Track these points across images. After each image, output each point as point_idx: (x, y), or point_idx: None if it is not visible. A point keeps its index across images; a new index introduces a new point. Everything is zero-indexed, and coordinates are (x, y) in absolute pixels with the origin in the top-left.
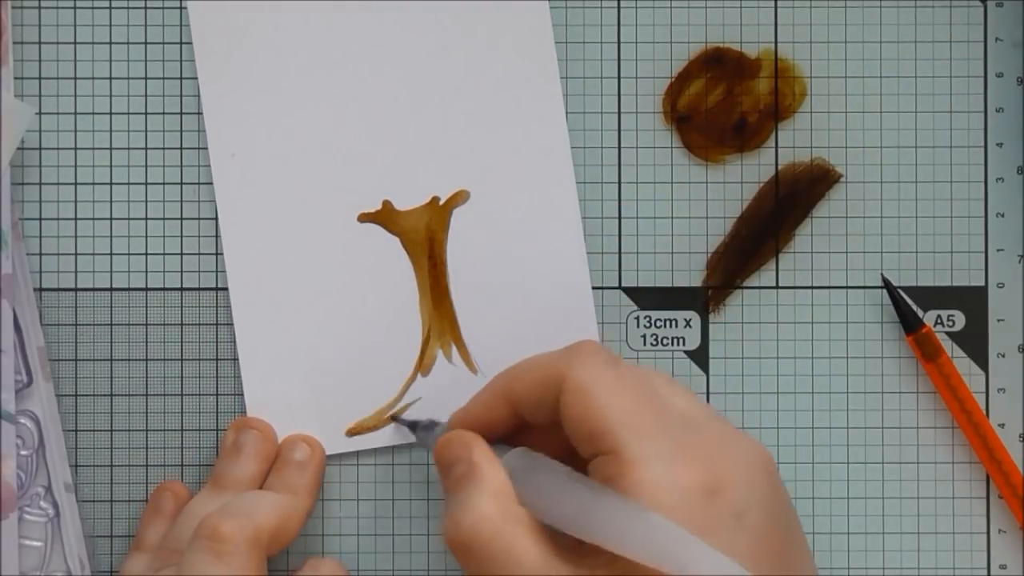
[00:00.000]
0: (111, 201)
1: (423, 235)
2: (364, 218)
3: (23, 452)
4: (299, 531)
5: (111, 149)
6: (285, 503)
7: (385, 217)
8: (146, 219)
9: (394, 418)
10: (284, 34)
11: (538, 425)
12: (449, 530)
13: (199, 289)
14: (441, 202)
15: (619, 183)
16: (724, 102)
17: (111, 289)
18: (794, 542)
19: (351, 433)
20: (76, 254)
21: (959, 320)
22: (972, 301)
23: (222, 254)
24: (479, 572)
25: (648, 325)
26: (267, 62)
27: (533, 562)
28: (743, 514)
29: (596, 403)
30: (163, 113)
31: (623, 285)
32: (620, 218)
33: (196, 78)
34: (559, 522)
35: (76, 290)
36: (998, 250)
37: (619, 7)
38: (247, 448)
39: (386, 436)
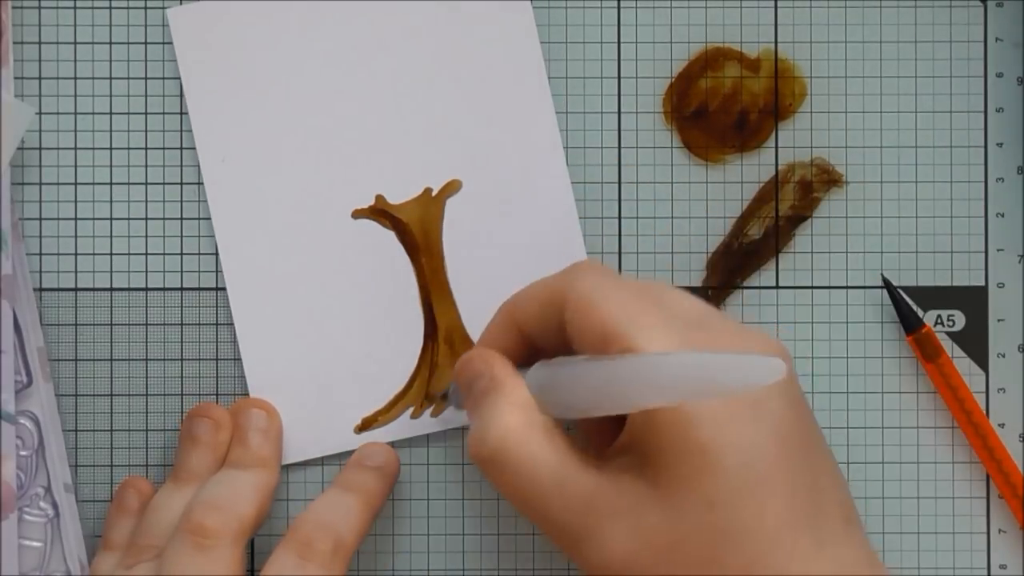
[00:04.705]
0: (111, 201)
1: (418, 227)
2: (358, 214)
3: (23, 452)
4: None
5: (111, 149)
6: (263, 483)
7: (379, 211)
8: (146, 219)
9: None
10: (268, 34)
11: (548, 348)
12: (474, 445)
13: (199, 289)
14: (434, 193)
15: (619, 183)
16: (724, 102)
17: (111, 289)
18: (814, 432)
19: (360, 430)
20: (76, 254)
21: (959, 320)
22: (972, 301)
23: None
24: (507, 485)
25: None
26: (252, 63)
27: (559, 469)
28: (761, 402)
29: (600, 310)
30: (163, 113)
31: None
32: (620, 218)
33: None
34: (587, 408)
35: (76, 290)
36: (998, 250)
37: (619, 7)
38: (203, 438)
39: (394, 431)
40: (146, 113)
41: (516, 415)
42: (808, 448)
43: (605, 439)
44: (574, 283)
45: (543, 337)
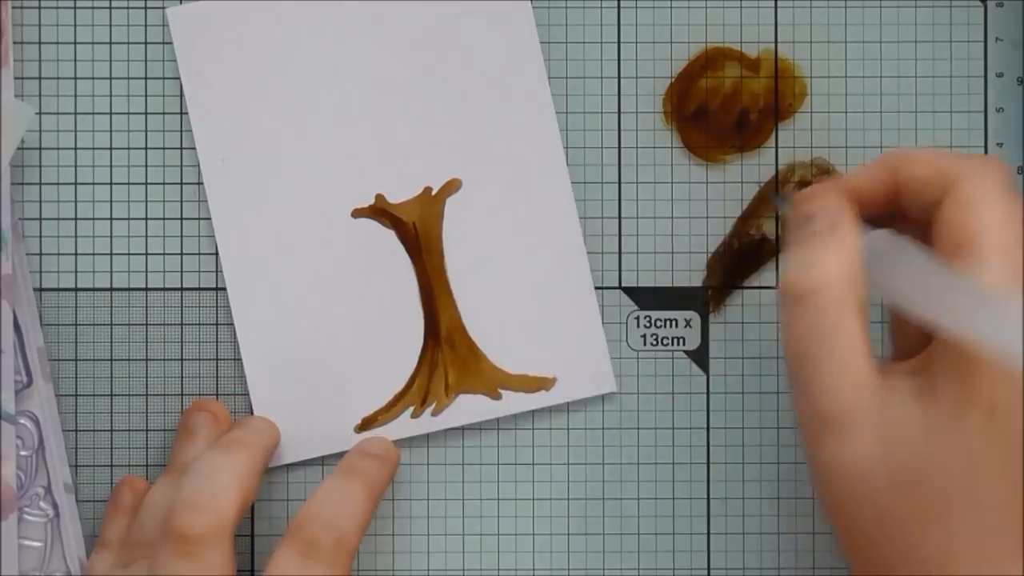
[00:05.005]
0: (111, 201)
1: (418, 226)
2: (357, 213)
3: (23, 453)
4: (256, 490)
5: (111, 149)
6: (243, 468)
7: (379, 211)
8: (146, 219)
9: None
10: (268, 34)
11: (910, 218)
12: (793, 274)
13: (199, 289)
14: (434, 192)
15: (619, 183)
16: (724, 102)
17: (111, 289)
18: None
19: (359, 429)
20: (76, 254)
21: None
22: None
23: None
24: (805, 329)
25: (648, 325)
26: (252, 63)
27: (856, 344)
28: None
29: (975, 220)
30: (163, 113)
31: (623, 285)
32: (620, 218)
33: None
34: (907, 303)
35: (76, 290)
36: None
37: (619, 7)
38: (201, 431)
39: (394, 430)
40: (146, 113)
41: (847, 268)
42: None
43: (900, 348)
44: (969, 176)
45: (913, 202)
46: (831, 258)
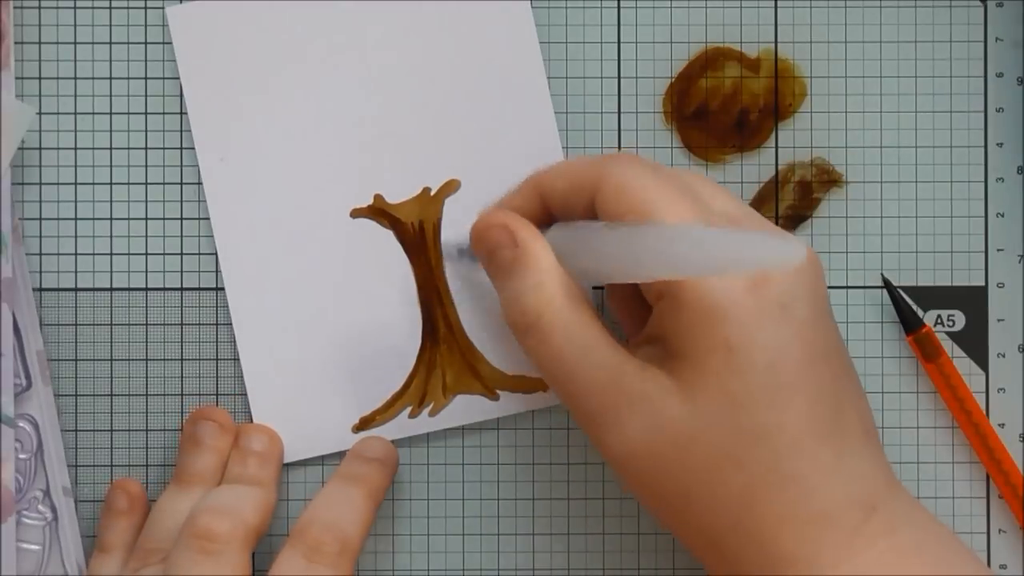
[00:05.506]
0: (111, 201)
1: (417, 226)
2: (356, 213)
3: (21, 456)
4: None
5: (111, 149)
6: (264, 498)
7: (377, 211)
8: (146, 219)
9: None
10: (268, 34)
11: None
12: (514, 314)
13: (199, 289)
14: (432, 193)
15: None
16: (724, 102)
17: (111, 289)
18: (838, 343)
19: (357, 429)
20: (76, 254)
21: (959, 320)
22: (972, 301)
23: None
24: (547, 354)
25: None
26: (252, 62)
27: (594, 342)
28: (788, 305)
29: (637, 197)
30: (163, 113)
31: None
32: None
33: None
34: (603, 273)
35: (76, 290)
36: (998, 250)
37: (619, 7)
38: (207, 440)
39: (392, 430)
40: (146, 113)
41: (554, 285)
42: (831, 357)
43: (633, 329)
44: (611, 169)
45: (564, 213)
46: (532, 283)
